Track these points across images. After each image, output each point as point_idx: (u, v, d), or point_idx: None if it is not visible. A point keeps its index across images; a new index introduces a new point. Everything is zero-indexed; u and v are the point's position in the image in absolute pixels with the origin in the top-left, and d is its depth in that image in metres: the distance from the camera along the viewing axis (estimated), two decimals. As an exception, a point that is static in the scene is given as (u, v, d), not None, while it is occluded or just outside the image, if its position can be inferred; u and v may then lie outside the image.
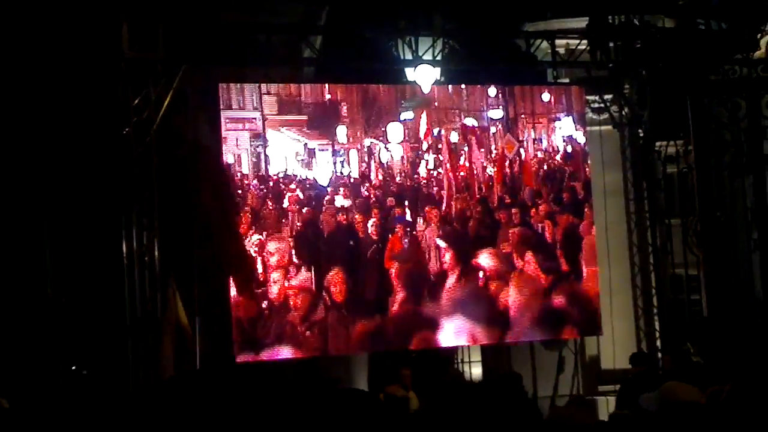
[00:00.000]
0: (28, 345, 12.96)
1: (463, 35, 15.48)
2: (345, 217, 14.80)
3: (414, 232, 15.09)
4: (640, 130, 17.21)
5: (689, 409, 5.45)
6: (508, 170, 15.90)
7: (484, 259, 15.25)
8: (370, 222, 14.90)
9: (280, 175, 14.58)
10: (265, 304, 14.14)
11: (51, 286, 13.10)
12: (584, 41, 15.80)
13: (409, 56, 14.93)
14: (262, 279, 14.11)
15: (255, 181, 14.43)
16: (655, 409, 5.58)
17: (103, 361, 13.26)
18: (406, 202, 15.19)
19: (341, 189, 14.90)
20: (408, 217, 15.13)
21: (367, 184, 15.15)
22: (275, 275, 14.16)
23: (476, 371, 17.01)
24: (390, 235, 14.96)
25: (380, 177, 15.28)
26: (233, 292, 14.00)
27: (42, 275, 12.85)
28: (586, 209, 16.12)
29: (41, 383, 12.65)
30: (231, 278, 14.00)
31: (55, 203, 13.50)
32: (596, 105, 17.07)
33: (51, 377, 12.91)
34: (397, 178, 15.41)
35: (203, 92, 14.26)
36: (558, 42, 15.84)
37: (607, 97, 17.03)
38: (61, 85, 13.50)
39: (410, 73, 14.99)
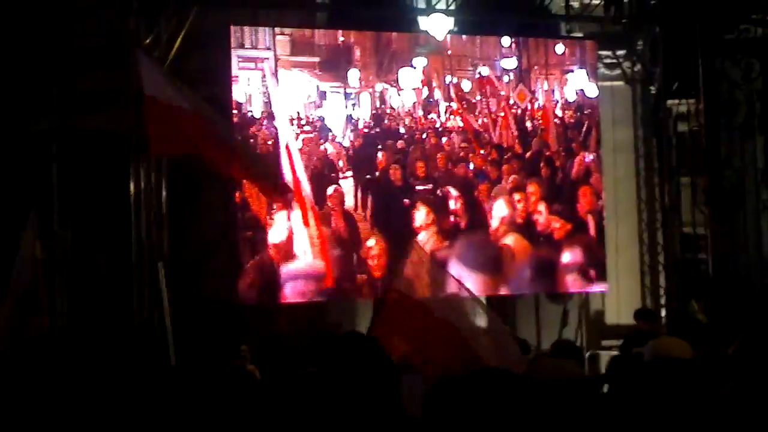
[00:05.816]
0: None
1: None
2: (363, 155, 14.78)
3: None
4: (652, 87, 17.11)
5: (676, 364, 5.52)
6: (519, 120, 15.89)
7: (493, 209, 15.22)
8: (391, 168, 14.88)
9: (293, 116, 14.48)
10: (270, 246, 13.94)
11: (57, 222, 13.20)
12: (599, -4, 15.76)
13: (422, 5, 14.94)
14: (267, 220, 13.96)
15: (266, 121, 14.33)
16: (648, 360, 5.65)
17: (109, 301, 13.34)
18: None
19: (350, 131, 14.80)
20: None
21: (378, 129, 15.07)
22: (280, 216, 14.03)
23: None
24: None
25: (389, 121, 15.22)
26: (239, 232, 13.96)
27: (49, 212, 12.92)
28: (596, 163, 16.06)
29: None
30: (237, 219, 13.93)
31: (63, 142, 13.55)
32: (608, 60, 16.95)
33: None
34: (400, 126, 15.31)
35: (215, 34, 14.18)
36: (572, -5, 15.82)
37: (620, 53, 16.88)
38: (71, 20, 13.51)
39: (423, 22, 14.97)
